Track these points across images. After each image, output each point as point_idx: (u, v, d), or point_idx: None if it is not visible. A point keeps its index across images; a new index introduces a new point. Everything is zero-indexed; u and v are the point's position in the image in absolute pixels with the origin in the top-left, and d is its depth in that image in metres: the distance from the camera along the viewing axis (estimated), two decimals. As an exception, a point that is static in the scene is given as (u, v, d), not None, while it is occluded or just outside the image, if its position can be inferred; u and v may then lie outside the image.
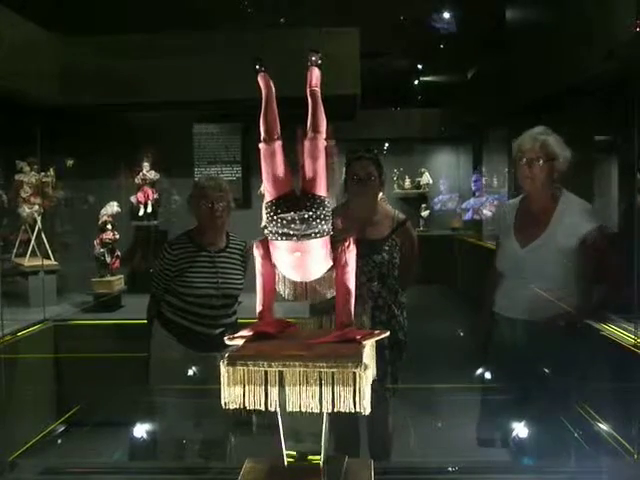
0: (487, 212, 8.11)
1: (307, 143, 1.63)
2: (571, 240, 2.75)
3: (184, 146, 6.00)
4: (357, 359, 1.51)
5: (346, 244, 1.69)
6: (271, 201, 1.62)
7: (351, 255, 1.69)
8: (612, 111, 4.42)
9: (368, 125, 8.42)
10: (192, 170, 6.04)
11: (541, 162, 2.79)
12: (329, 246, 1.67)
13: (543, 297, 2.76)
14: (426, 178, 9.80)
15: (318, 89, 1.73)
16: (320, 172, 1.61)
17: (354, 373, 1.49)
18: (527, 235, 2.89)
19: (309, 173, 1.62)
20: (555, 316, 2.78)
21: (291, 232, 1.60)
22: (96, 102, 5.27)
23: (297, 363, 1.52)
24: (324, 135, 1.65)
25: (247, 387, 1.55)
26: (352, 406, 1.50)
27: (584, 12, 4.35)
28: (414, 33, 6.91)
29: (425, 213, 9.68)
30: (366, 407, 1.51)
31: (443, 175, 9.84)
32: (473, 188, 8.72)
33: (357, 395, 1.49)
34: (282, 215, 1.60)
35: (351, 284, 1.69)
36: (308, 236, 1.60)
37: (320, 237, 1.61)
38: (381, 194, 3.37)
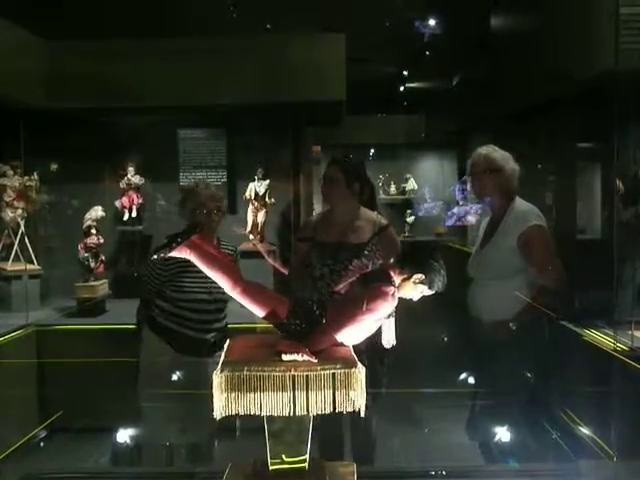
0: (471, 218, 8.15)
1: None
2: (512, 239, 3.05)
3: (169, 151, 5.99)
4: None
5: (384, 286, 1.72)
6: None
7: (380, 301, 1.71)
8: (595, 118, 4.47)
9: (354, 131, 8.45)
10: (177, 175, 6.03)
11: (487, 173, 3.13)
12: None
13: (499, 294, 3.04)
14: (411, 184, 9.83)
15: None
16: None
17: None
18: (486, 239, 3.22)
19: None
20: (518, 313, 3.00)
21: None
22: (81, 106, 5.24)
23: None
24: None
25: (239, 393, 1.59)
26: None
27: (568, 20, 4.40)
28: (400, 39, 6.95)
29: (410, 219, 9.71)
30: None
31: (428, 181, 9.87)
32: (458, 196, 8.74)
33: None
34: None
35: (352, 321, 1.70)
36: None
37: None
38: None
